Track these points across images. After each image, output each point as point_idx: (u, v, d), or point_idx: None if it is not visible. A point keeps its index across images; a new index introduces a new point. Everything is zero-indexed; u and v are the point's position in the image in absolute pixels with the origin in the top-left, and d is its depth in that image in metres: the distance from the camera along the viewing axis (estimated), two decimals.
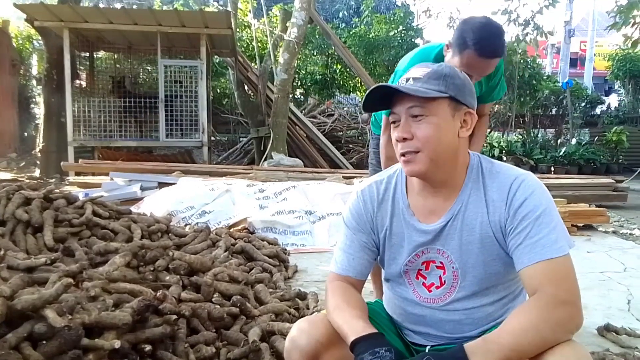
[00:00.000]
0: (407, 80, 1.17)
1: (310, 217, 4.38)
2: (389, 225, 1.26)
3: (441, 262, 1.23)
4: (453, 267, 1.21)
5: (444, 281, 1.23)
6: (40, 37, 9.19)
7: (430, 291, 1.25)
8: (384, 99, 1.19)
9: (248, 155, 10.37)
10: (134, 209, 3.92)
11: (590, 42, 18.87)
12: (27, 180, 5.66)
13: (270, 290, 2.48)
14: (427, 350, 1.23)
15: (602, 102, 15.47)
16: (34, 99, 12.96)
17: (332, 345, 1.15)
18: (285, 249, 3.62)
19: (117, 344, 1.46)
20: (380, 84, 1.19)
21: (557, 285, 1.04)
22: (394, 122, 1.19)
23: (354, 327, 1.09)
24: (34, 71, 13.18)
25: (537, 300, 1.03)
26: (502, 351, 0.96)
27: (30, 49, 13.31)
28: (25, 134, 12.34)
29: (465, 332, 1.23)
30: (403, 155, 1.17)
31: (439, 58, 1.96)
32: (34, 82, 12.89)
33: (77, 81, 8.63)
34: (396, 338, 1.31)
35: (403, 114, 1.16)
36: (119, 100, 8.04)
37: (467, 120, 1.18)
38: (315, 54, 13.33)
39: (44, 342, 1.39)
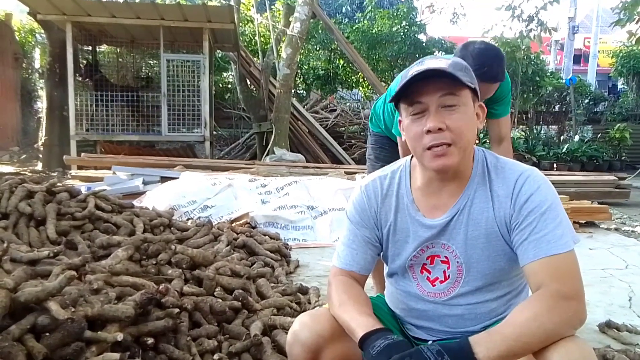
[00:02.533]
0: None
1: (312, 212, 4.39)
2: (393, 221, 1.26)
3: (446, 257, 1.23)
4: (457, 262, 1.21)
5: (448, 276, 1.23)
6: (43, 31, 9.18)
7: (434, 285, 1.25)
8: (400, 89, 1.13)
9: (250, 150, 10.37)
10: (136, 202, 3.93)
11: (594, 39, 18.74)
12: (30, 174, 5.67)
13: (272, 284, 2.49)
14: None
15: (606, 100, 15.38)
16: (36, 93, 12.96)
17: (334, 339, 1.16)
18: (287, 244, 3.63)
19: (119, 336, 1.46)
20: (428, 67, 1.09)
21: (561, 280, 1.04)
22: (416, 114, 1.13)
23: (363, 323, 1.09)
24: (37, 65, 13.20)
25: (542, 294, 1.03)
26: (506, 341, 0.96)
27: (33, 43, 13.30)
28: (28, 127, 12.33)
29: (467, 327, 1.23)
30: (431, 148, 1.11)
31: None
32: (37, 75, 12.90)
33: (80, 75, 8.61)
34: (398, 333, 1.31)
35: (433, 104, 1.10)
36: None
37: (479, 114, 1.20)
38: (318, 49, 13.27)
39: (47, 334, 1.39)
